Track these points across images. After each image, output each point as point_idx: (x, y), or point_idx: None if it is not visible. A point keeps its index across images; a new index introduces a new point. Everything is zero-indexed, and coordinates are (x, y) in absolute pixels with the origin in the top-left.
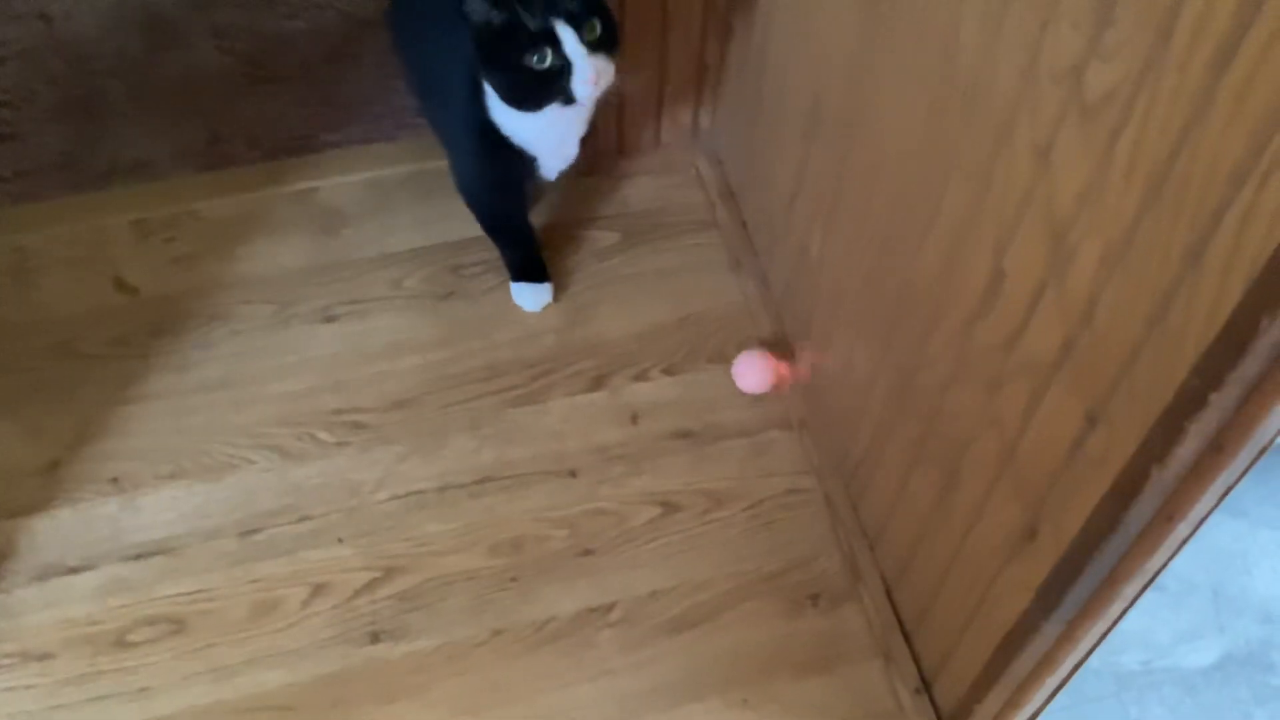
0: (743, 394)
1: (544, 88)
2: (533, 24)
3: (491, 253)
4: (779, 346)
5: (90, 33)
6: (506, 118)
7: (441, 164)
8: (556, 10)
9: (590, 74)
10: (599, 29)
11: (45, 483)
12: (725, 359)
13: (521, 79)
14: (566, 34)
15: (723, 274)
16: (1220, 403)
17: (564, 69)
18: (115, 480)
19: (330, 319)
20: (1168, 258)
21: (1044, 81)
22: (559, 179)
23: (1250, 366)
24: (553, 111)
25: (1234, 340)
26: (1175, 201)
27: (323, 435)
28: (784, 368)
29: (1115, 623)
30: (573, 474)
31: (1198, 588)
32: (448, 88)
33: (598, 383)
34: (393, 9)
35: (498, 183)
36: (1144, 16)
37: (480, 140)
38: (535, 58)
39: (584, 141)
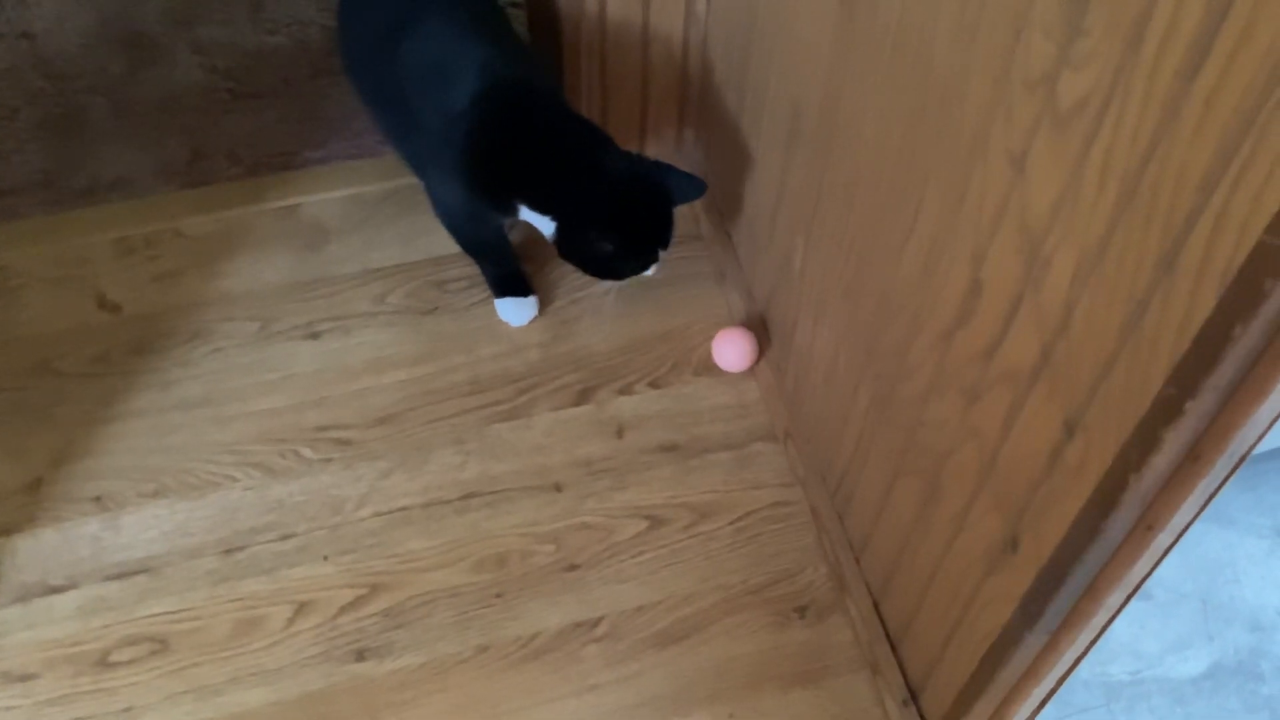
0: (728, 405)
1: (620, 275)
2: (643, 258)
3: (476, 267)
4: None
5: (72, 51)
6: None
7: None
8: (664, 243)
9: (657, 268)
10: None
11: (27, 502)
12: (710, 371)
13: (605, 272)
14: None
15: (707, 286)
16: (1196, 411)
17: (644, 269)
18: (98, 499)
19: (313, 335)
20: (1141, 266)
21: (1017, 90)
22: None
23: (1225, 374)
24: None
25: (1208, 348)
26: (1147, 209)
27: (306, 452)
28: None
29: (1100, 633)
30: (558, 488)
31: (1186, 597)
32: (424, 139)
33: (582, 396)
34: (345, 48)
35: (476, 216)
36: (1114, 25)
37: (464, 203)
38: (631, 270)
39: None
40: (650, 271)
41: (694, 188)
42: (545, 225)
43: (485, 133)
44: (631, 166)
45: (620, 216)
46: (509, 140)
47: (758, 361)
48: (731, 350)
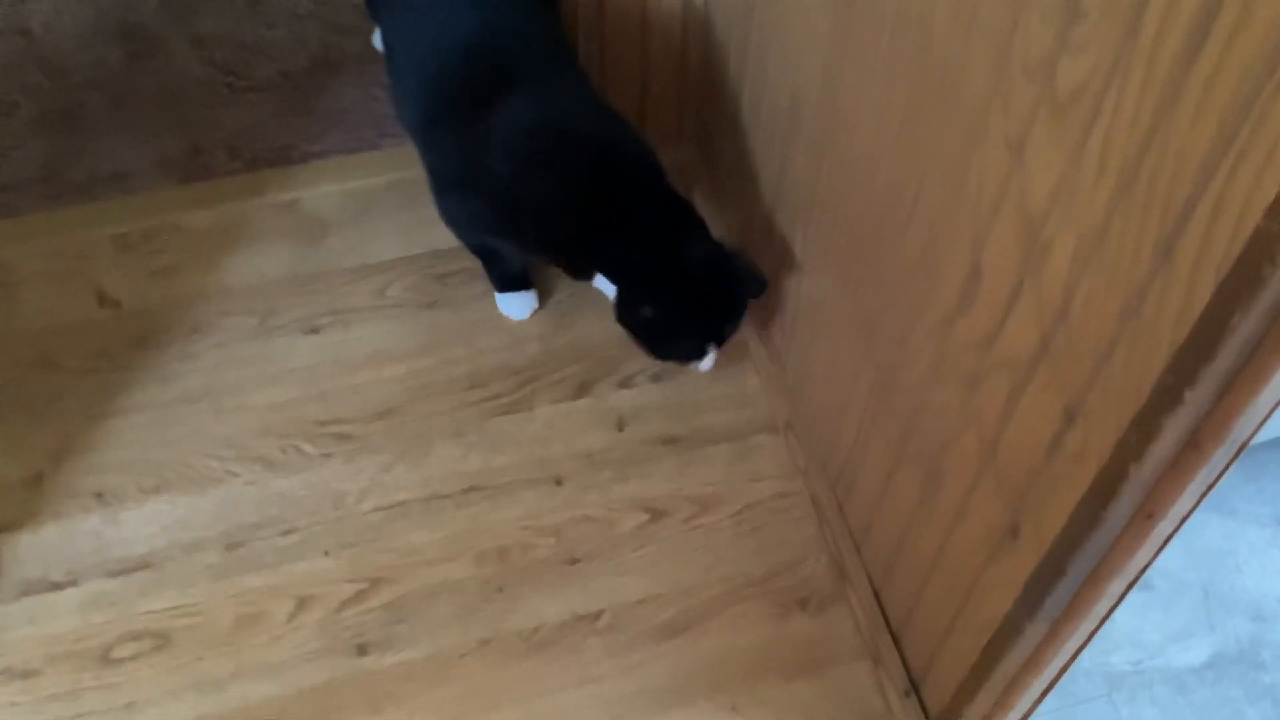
0: (728, 396)
1: (667, 358)
2: (694, 346)
3: (475, 260)
4: None
5: (70, 45)
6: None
7: (424, 173)
8: (718, 337)
9: (710, 363)
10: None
11: (28, 497)
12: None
13: (653, 349)
14: (711, 350)
15: None
16: (1196, 399)
17: (696, 360)
18: (99, 494)
19: (313, 329)
20: (1140, 253)
21: (1016, 75)
22: None
23: (1224, 362)
24: None
25: (1207, 336)
26: (1146, 196)
27: (306, 446)
28: None
29: (1101, 622)
30: (558, 481)
31: (1188, 586)
32: (490, 192)
33: (583, 389)
34: (405, 104)
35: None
36: (1112, 9)
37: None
38: (678, 356)
39: None
40: (705, 365)
41: (754, 286)
42: (609, 288)
43: (578, 209)
44: (711, 258)
45: (682, 304)
46: (601, 219)
47: None
48: None
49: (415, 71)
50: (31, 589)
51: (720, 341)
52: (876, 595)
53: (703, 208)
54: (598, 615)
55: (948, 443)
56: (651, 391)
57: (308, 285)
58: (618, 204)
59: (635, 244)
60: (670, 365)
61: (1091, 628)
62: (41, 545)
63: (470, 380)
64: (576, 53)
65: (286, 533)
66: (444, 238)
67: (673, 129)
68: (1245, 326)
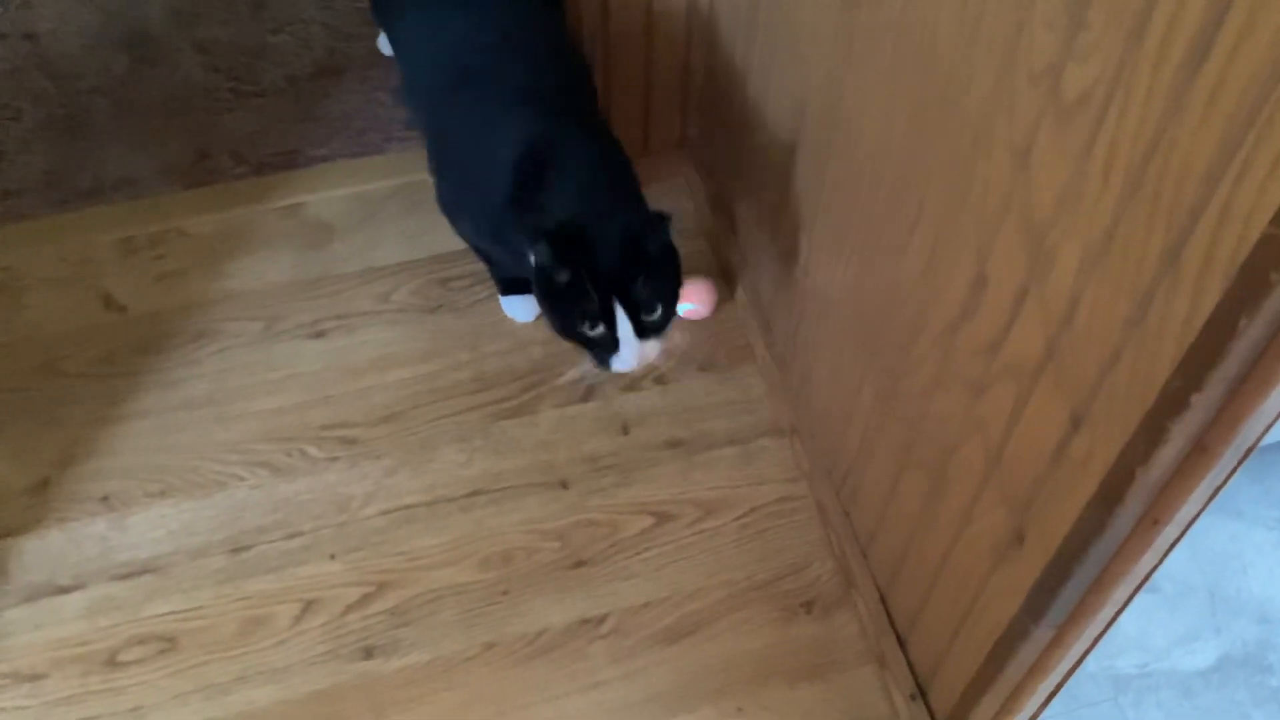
0: (734, 401)
1: (585, 344)
2: (595, 296)
3: (480, 265)
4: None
5: (76, 51)
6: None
7: (429, 177)
8: (621, 290)
9: (632, 358)
10: (658, 317)
11: (34, 502)
12: (716, 367)
13: (568, 329)
14: (623, 318)
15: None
16: (1202, 404)
17: (610, 340)
18: (104, 499)
19: (318, 334)
20: (1146, 259)
21: (1021, 83)
22: None
23: (1231, 367)
24: None
25: (1214, 341)
26: (1152, 202)
27: (311, 450)
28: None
29: (1107, 626)
30: (563, 485)
31: (1194, 589)
32: (464, 142)
33: (588, 393)
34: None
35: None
36: (1116, 17)
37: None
38: (587, 324)
39: None
40: (621, 361)
41: (654, 233)
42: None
43: (530, 182)
44: (641, 228)
45: (563, 245)
46: (532, 187)
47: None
48: (693, 297)
49: (419, 67)
50: (38, 593)
51: (627, 302)
52: (882, 599)
53: (707, 214)
54: (602, 619)
55: (953, 449)
56: (656, 395)
57: (312, 290)
58: (547, 173)
59: (552, 201)
60: (675, 369)
61: (1097, 632)
62: (47, 550)
63: (475, 384)
64: (574, 52)
65: (291, 537)
66: (448, 242)
67: (676, 134)
68: (1252, 331)
